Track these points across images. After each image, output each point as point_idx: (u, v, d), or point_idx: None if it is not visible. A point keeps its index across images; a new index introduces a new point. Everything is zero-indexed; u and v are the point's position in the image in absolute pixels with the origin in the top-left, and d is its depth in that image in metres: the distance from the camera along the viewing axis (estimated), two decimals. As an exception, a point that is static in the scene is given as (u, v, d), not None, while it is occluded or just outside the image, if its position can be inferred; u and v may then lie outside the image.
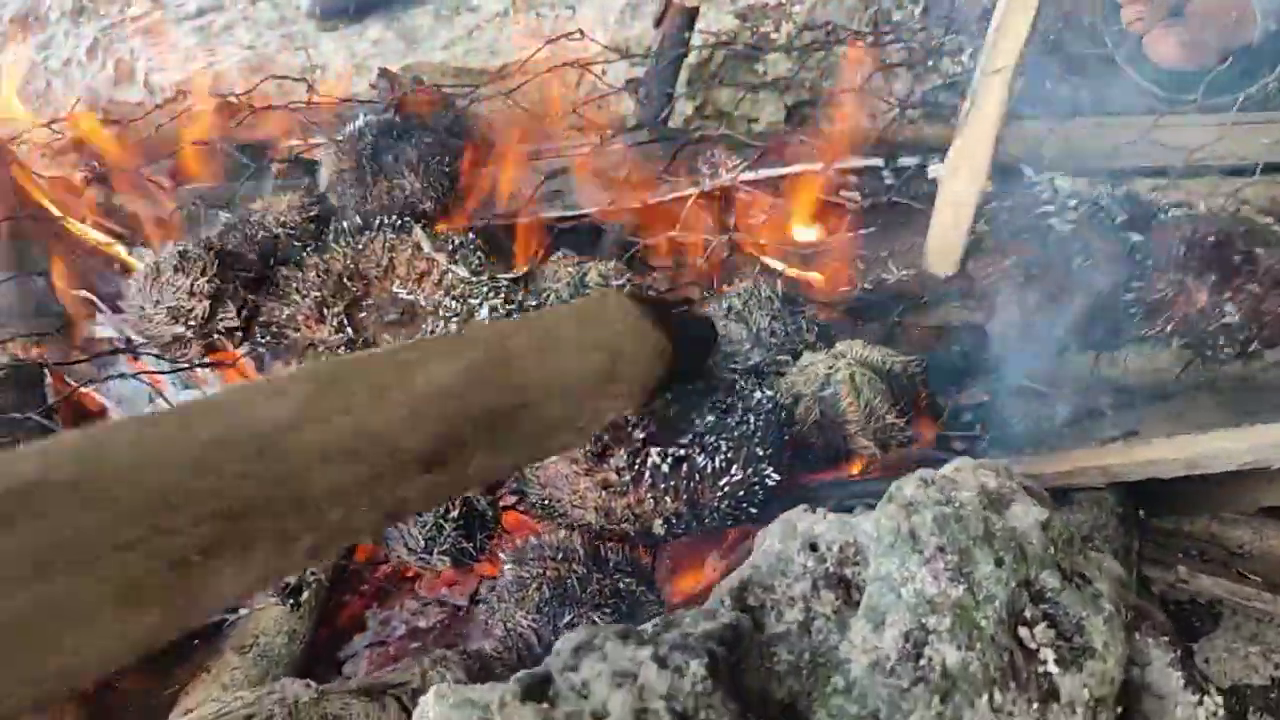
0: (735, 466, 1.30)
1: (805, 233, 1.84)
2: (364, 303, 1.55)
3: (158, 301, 1.49)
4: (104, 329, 1.78)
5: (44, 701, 0.62)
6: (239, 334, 1.52)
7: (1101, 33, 2.17)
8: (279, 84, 1.97)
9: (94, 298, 1.79)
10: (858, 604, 0.99)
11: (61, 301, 1.80)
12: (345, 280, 1.55)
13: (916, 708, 0.92)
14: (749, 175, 1.84)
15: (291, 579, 1.38)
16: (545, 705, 0.85)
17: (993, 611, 0.96)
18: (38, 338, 1.67)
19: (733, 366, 1.46)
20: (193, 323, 1.49)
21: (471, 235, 1.59)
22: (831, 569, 1.01)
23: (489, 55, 2.25)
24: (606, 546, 1.36)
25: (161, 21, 2.58)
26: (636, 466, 1.29)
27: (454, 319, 1.46)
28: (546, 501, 1.35)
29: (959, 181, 1.67)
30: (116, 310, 1.65)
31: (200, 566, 0.66)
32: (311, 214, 1.64)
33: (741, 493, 1.31)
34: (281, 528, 0.71)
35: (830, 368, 1.39)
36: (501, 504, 1.40)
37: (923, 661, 0.94)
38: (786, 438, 1.37)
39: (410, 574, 1.62)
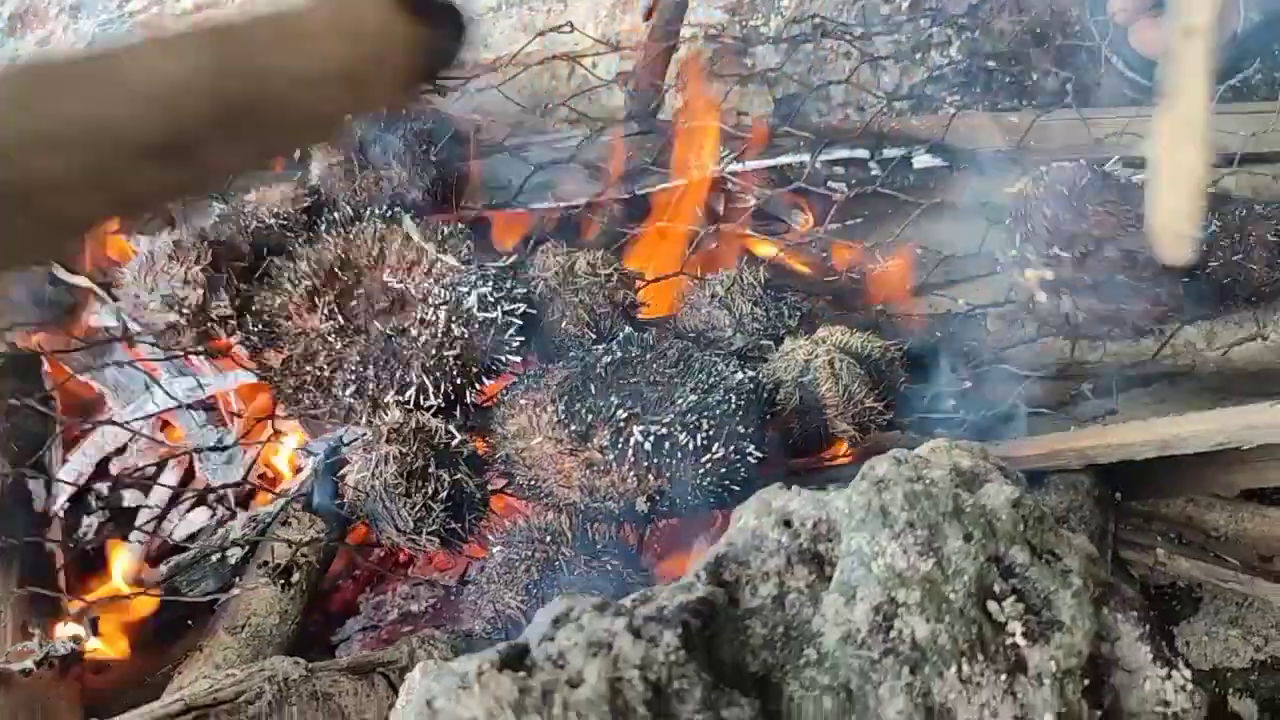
0: (717, 444, 1.33)
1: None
2: (355, 292, 1.57)
3: (152, 289, 1.52)
4: (102, 317, 1.81)
5: None
6: (232, 322, 1.55)
7: (1087, 23, 2.19)
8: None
9: (93, 285, 1.82)
10: (830, 579, 1.01)
11: (60, 289, 1.83)
12: (336, 270, 1.57)
13: (886, 678, 0.94)
14: (736, 166, 1.87)
15: (282, 560, 1.40)
16: (522, 674, 0.88)
17: (961, 585, 0.98)
18: (36, 326, 1.70)
19: (716, 352, 1.48)
20: (186, 310, 1.52)
21: (460, 225, 1.62)
22: (805, 545, 1.03)
23: (481, 48, 2.27)
24: (594, 529, 1.38)
25: (160, 16, 2.60)
26: (619, 445, 1.31)
27: (443, 306, 1.49)
28: (532, 482, 1.38)
29: (1184, 153, 1.61)
30: (114, 298, 1.67)
31: None
32: (304, 205, 1.66)
33: (724, 470, 1.33)
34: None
35: (810, 353, 1.42)
36: (490, 486, 1.42)
37: (893, 634, 0.96)
38: (768, 417, 1.39)
39: (403, 558, 1.65)
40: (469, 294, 1.50)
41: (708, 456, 1.32)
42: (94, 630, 1.37)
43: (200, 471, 1.70)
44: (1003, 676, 0.97)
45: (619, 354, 1.46)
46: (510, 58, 1.99)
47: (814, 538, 1.04)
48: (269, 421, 1.60)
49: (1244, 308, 1.64)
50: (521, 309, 1.51)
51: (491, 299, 1.50)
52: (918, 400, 1.53)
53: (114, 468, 1.70)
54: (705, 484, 1.32)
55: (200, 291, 1.52)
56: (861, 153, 1.91)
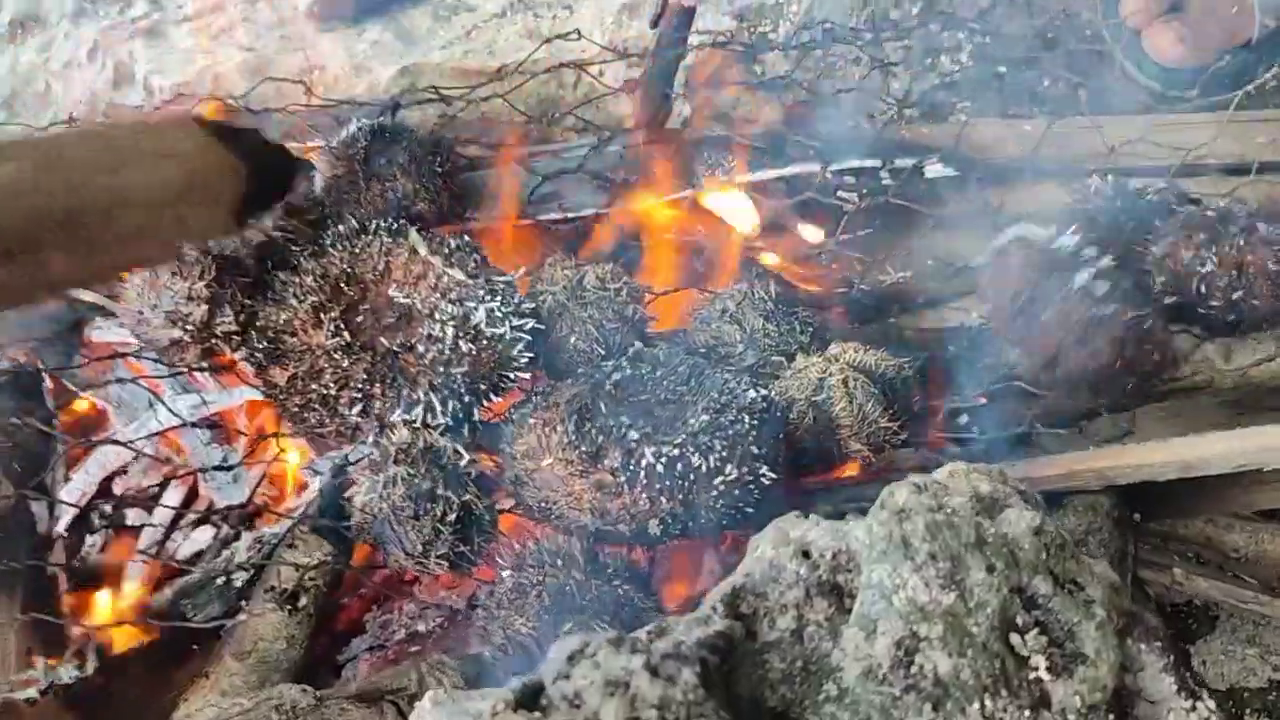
0: (730, 465, 1.31)
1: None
2: (361, 307, 1.55)
3: (155, 305, 1.49)
4: (105, 333, 1.79)
5: None
6: (236, 338, 1.52)
7: (1100, 27, 2.16)
8: (278, 86, 1.97)
9: (96, 300, 1.80)
10: (850, 611, 0.99)
11: (63, 305, 1.81)
12: (342, 284, 1.55)
13: (908, 715, 0.92)
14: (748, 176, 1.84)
15: (289, 584, 1.38)
16: (538, 714, 0.86)
17: (984, 619, 0.96)
18: (37, 343, 1.68)
19: (728, 368, 1.46)
20: (190, 326, 1.50)
21: (467, 238, 1.59)
22: (824, 576, 1.01)
23: (487, 55, 2.25)
24: (605, 552, 1.36)
25: (161, 23, 2.58)
26: (631, 467, 1.29)
27: (451, 322, 1.46)
28: (542, 504, 1.36)
29: None
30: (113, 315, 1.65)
31: None
32: (308, 218, 1.64)
33: (737, 492, 1.31)
34: None
35: (824, 371, 1.40)
36: (499, 507, 1.40)
37: (914, 669, 0.94)
38: (781, 437, 1.37)
39: (409, 578, 1.63)
40: (477, 309, 1.48)
41: (721, 478, 1.30)
42: (98, 657, 1.35)
43: (204, 490, 1.68)
44: (1026, 713, 0.95)
45: (629, 371, 1.44)
46: (516, 66, 1.96)
47: (833, 569, 1.02)
48: (274, 440, 1.57)
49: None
50: (530, 324, 1.49)
51: (500, 314, 1.48)
52: (932, 417, 1.51)
53: (117, 487, 1.68)
54: (718, 506, 1.30)
55: (204, 307, 1.50)
56: (873, 162, 1.88)
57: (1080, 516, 1.32)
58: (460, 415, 1.43)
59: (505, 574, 1.30)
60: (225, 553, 1.52)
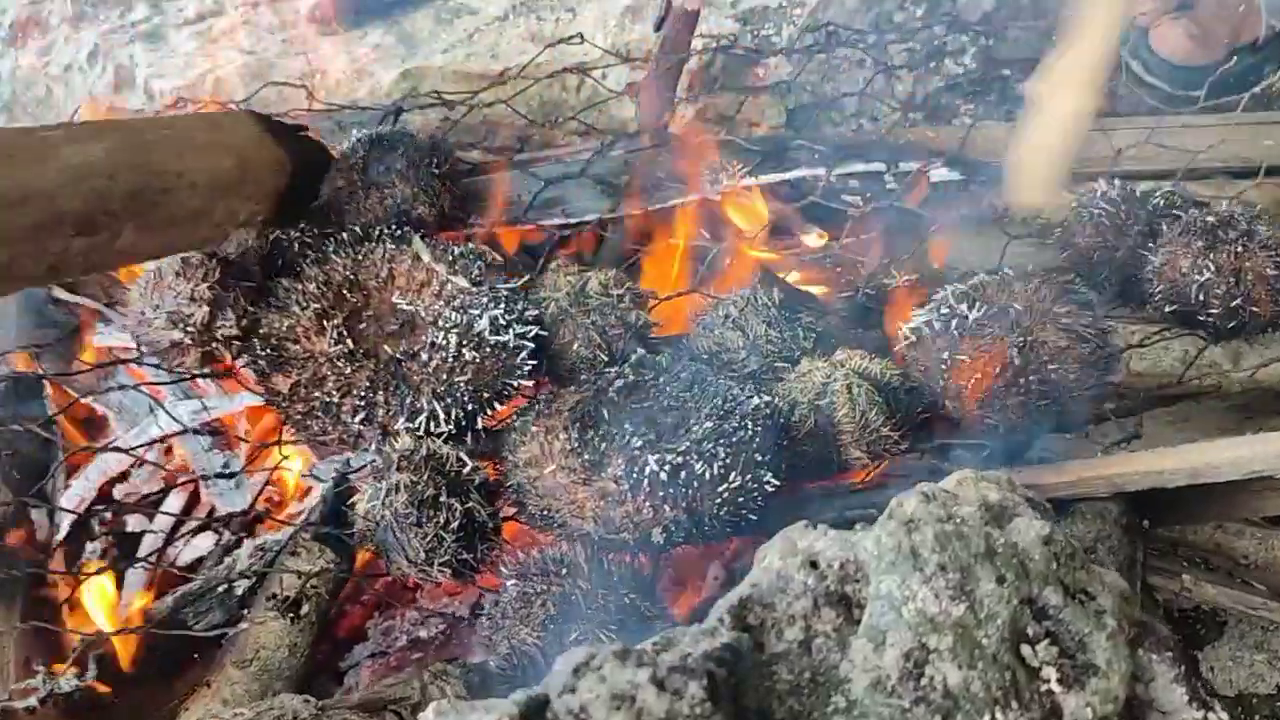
0: (734, 473, 1.30)
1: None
2: (364, 314, 1.54)
3: (157, 306, 1.48)
4: (106, 338, 1.78)
5: None
6: (237, 343, 1.52)
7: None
8: (279, 90, 1.96)
9: (97, 305, 1.79)
10: (859, 622, 0.98)
11: (63, 310, 1.80)
12: (345, 291, 1.54)
13: (917, 728, 0.91)
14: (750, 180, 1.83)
15: (291, 592, 1.37)
16: (542, 729, 0.85)
17: (994, 630, 0.95)
18: (38, 348, 1.67)
19: (731, 374, 1.45)
20: (191, 329, 1.49)
21: (471, 245, 1.59)
22: (832, 587, 1.00)
23: (489, 59, 2.24)
24: (609, 560, 1.35)
25: (162, 27, 2.57)
26: (634, 475, 1.28)
27: (454, 330, 1.45)
28: (545, 512, 1.35)
29: (1063, 100, 1.53)
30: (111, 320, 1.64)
31: None
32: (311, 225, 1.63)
33: (740, 499, 1.30)
34: None
35: (828, 376, 1.39)
36: (502, 515, 1.39)
37: (924, 681, 0.93)
38: (784, 444, 1.36)
39: (412, 584, 1.62)
40: (480, 317, 1.47)
41: (724, 485, 1.29)
42: (98, 666, 1.34)
43: (206, 496, 1.67)
44: (1037, 725, 0.94)
45: (631, 377, 1.43)
46: (519, 70, 1.96)
47: (841, 579, 1.01)
48: (275, 447, 1.56)
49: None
50: (534, 332, 1.48)
51: (503, 321, 1.47)
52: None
53: (117, 493, 1.67)
54: (722, 514, 1.29)
55: (206, 309, 1.49)
56: (877, 165, 1.87)
57: (1089, 523, 1.31)
58: (463, 423, 1.42)
59: (510, 583, 1.29)
60: (227, 560, 1.51)
